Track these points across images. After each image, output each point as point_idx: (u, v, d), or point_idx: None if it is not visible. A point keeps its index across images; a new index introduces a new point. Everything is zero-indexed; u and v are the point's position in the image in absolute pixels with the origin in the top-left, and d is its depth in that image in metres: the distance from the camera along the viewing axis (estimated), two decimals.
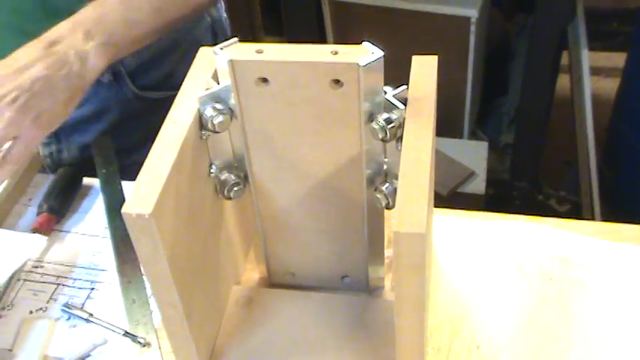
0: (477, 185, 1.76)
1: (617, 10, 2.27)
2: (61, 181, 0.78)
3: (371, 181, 0.56)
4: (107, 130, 0.88)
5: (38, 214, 0.74)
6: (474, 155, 1.81)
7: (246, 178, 0.58)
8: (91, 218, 0.77)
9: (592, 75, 1.81)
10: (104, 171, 0.80)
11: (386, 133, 0.50)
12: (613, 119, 1.87)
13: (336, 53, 0.48)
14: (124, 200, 0.75)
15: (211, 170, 0.56)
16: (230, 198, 0.58)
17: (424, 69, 0.52)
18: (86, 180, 0.81)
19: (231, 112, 0.53)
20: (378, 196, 0.55)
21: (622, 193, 1.82)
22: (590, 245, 0.68)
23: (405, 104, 0.50)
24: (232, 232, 0.64)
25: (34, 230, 0.73)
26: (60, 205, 0.76)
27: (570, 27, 1.76)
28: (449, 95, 1.78)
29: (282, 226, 0.61)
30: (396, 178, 0.54)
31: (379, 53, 0.47)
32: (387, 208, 0.57)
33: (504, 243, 0.69)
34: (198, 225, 0.55)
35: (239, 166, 0.58)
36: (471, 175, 1.77)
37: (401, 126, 0.50)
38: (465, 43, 1.64)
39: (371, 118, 0.51)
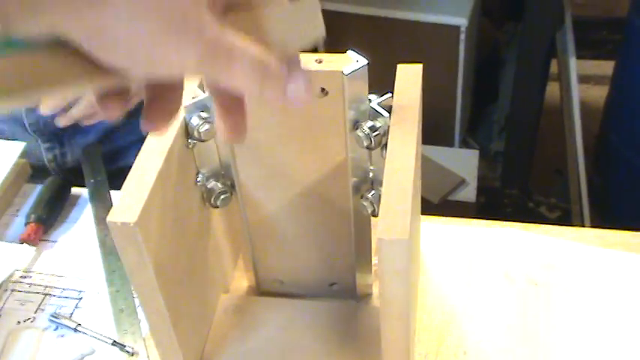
0: (468, 193, 1.76)
1: (606, 18, 2.29)
2: (49, 190, 0.78)
3: (357, 189, 0.56)
4: (109, 130, 0.87)
5: (26, 224, 0.74)
6: (464, 163, 1.82)
7: (232, 186, 0.58)
8: (79, 228, 0.77)
9: (581, 83, 1.82)
10: (92, 180, 0.80)
11: (371, 141, 0.50)
12: (602, 127, 1.88)
13: (320, 62, 0.48)
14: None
15: (198, 179, 0.57)
16: (217, 206, 0.58)
17: (409, 77, 0.53)
18: (74, 189, 0.81)
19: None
20: (365, 203, 0.56)
21: (611, 200, 1.83)
22: (576, 251, 0.69)
23: (389, 112, 0.50)
24: (220, 241, 0.64)
25: (22, 241, 0.73)
26: (48, 215, 0.76)
27: (559, 35, 1.78)
28: (439, 104, 1.79)
29: (270, 234, 0.62)
30: (382, 186, 0.55)
31: (363, 62, 0.48)
32: (373, 216, 0.57)
33: (491, 249, 0.69)
34: (185, 234, 0.55)
35: (226, 175, 0.58)
36: (462, 183, 1.78)
37: (385, 134, 0.51)
38: (455, 51, 1.66)
39: (356, 125, 0.51)
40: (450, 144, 1.89)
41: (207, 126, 0.52)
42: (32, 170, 0.83)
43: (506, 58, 2.12)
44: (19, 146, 0.81)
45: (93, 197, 0.78)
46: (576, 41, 1.74)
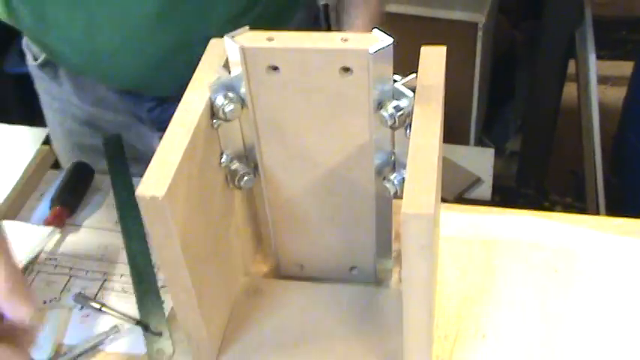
0: (483, 191, 1.76)
1: (626, 18, 2.28)
2: (72, 176, 0.79)
3: (379, 171, 0.57)
4: None
5: (51, 207, 0.76)
6: (480, 162, 1.81)
7: (256, 168, 0.59)
8: (102, 212, 0.78)
9: (599, 83, 1.81)
10: (114, 168, 0.81)
11: (395, 121, 0.51)
12: (620, 127, 1.87)
13: (346, 40, 0.49)
14: (134, 196, 0.77)
15: (222, 160, 0.58)
16: (240, 188, 0.59)
17: (433, 58, 0.53)
18: (97, 176, 0.82)
19: (242, 101, 0.54)
20: (387, 185, 0.56)
21: (628, 200, 1.82)
22: (595, 239, 0.69)
23: (413, 92, 0.51)
24: (242, 224, 0.65)
25: (48, 223, 0.74)
26: (72, 199, 0.77)
27: (578, 34, 1.77)
28: (455, 101, 1.79)
29: (291, 216, 0.62)
30: (404, 168, 0.55)
31: (388, 40, 0.48)
32: (395, 197, 0.58)
33: (511, 236, 0.70)
34: (209, 214, 0.56)
35: (249, 156, 0.59)
36: (477, 181, 1.77)
37: (409, 114, 0.51)
38: (472, 48, 1.66)
39: (380, 105, 0.52)
40: (466, 142, 1.88)
41: (232, 106, 0.53)
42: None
43: (523, 56, 2.12)
44: (42, 132, 0.82)
45: (115, 184, 0.80)
46: (595, 41, 1.73)
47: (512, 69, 2.11)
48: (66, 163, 0.82)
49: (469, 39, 1.64)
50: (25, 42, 0.86)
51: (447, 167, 1.75)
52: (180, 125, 0.51)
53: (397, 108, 0.51)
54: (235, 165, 0.58)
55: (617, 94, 2.02)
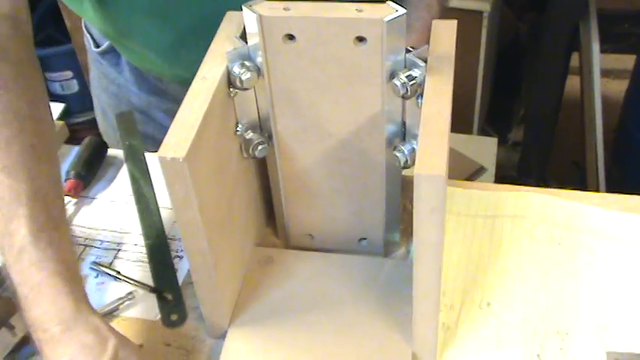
0: (486, 180, 1.78)
1: (629, 11, 2.29)
2: (87, 150, 0.81)
3: (390, 141, 0.59)
4: None
5: (66, 180, 0.77)
6: (483, 150, 1.83)
7: (270, 138, 0.61)
8: (116, 186, 0.80)
9: (602, 76, 1.83)
10: (127, 143, 0.83)
11: (407, 90, 0.53)
12: (621, 119, 1.89)
13: (361, 11, 0.50)
14: (147, 170, 0.79)
15: (237, 129, 0.59)
16: (254, 157, 0.61)
17: (444, 31, 0.55)
18: (111, 151, 0.83)
19: (258, 70, 0.56)
20: (397, 154, 0.58)
21: (629, 192, 1.83)
22: (598, 214, 0.71)
23: (425, 63, 0.52)
24: (255, 194, 0.67)
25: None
26: (87, 172, 0.78)
27: (582, 27, 1.79)
28: (459, 90, 1.79)
29: (303, 187, 0.64)
30: (415, 138, 0.57)
31: (402, 11, 0.50)
32: (405, 168, 0.59)
33: (515, 210, 0.71)
34: (225, 181, 0.58)
35: (263, 127, 0.61)
36: (480, 169, 1.79)
37: (421, 84, 0.53)
38: (477, 37, 1.67)
39: (392, 75, 0.53)
40: (469, 131, 1.90)
41: (248, 74, 0.55)
42: None
43: (527, 48, 2.13)
44: (57, 107, 0.84)
45: (128, 158, 0.81)
46: (598, 34, 1.75)
47: (516, 60, 2.13)
48: (113, 145, 0.85)
49: (474, 28, 1.66)
50: (86, 27, 0.88)
51: (451, 155, 1.75)
52: (198, 92, 0.53)
53: (410, 77, 0.52)
54: (250, 134, 0.60)
55: (620, 87, 2.04)
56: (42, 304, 0.51)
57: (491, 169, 1.80)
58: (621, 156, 1.87)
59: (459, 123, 1.92)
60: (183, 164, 0.48)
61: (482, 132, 1.98)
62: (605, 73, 2.19)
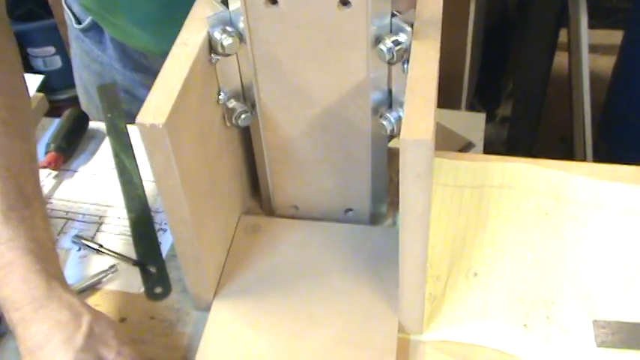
0: None
1: None
2: (67, 122, 0.79)
3: (376, 109, 0.58)
4: None
5: (46, 153, 0.76)
6: (471, 126, 1.82)
7: (253, 107, 0.60)
8: (98, 159, 0.78)
9: (589, 52, 1.82)
10: (109, 115, 0.81)
11: (393, 56, 0.51)
12: (609, 94, 1.89)
13: None
14: (130, 142, 0.78)
15: (220, 97, 0.58)
16: (238, 126, 0.60)
17: None
18: (92, 123, 0.82)
19: (240, 36, 0.54)
20: (384, 122, 0.57)
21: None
22: (585, 184, 0.70)
23: (411, 27, 0.51)
24: (239, 165, 0.66)
25: (43, 167, 0.74)
26: (67, 145, 0.77)
27: (570, 2, 1.77)
28: (447, 66, 1.78)
29: (287, 156, 0.63)
30: (401, 106, 0.56)
31: None
32: (391, 136, 0.58)
33: (502, 181, 0.71)
34: (207, 150, 0.57)
35: (246, 95, 0.59)
36: (468, 145, 1.78)
37: (407, 49, 0.52)
38: (465, 12, 1.66)
39: (378, 40, 0.52)
40: (457, 107, 1.89)
41: (230, 40, 0.53)
42: None
43: (515, 23, 2.12)
44: (36, 79, 0.82)
45: (110, 130, 0.80)
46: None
47: (505, 35, 2.11)
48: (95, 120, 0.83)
49: (463, 2, 1.64)
50: (66, 3, 0.85)
51: (438, 131, 1.74)
52: (179, 58, 0.51)
53: (396, 42, 0.51)
54: (233, 103, 0.59)
55: (607, 63, 2.03)
56: (13, 282, 0.50)
57: (479, 145, 1.80)
58: (608, 131, 1.88)
59: (447, 98, 1.91)
60: (163, 131, 0.47)
61: (471, 108, 1.97)
62: (593, 49, 2.18)
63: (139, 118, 0.47)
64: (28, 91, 0.60)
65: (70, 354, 0.48)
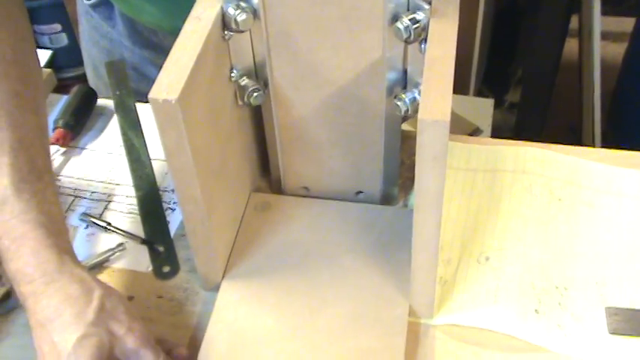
0: None
1: None
2: (76, 99, 0.78)
3: (390, 90, 0.57)
4: None
5: (54, 129, 0.75)
6: (479, 111, 1.81)
7: (266, 85, 0.59)
8: (106, 136, 0.77)
9: (601, 39, 1.80)
10: (118, 92, 0.81)
11: (410, 34, 0.50)
12: (619, 82, 1.88)
13: None
14: (138, 120, 0.77)
15: (232, 75, 0.57)
16: (250, 104, 0.59)
17: None
18: (100, 101, 0.81)
19: (254, 12, 0.53)
20: (398, 103, 0.56)
21: None
22: (599, 170, 0.69)
23: (429, 4, 0.50)
24: (250, 144, 0.65)
25: (51, 144, 0.73)
26: (76, 122, 0.76)
27: None
28: (457, 51, 1.77)
29: (299, 137, 0.62)
30: (417, 87, 0.55)
31: None
32: (405, 117, 0.57)
33: (515, 164, 0.70)
34: (219, 128, 0.56)
35: (259, 73, 0.59)
36: (476, 131, 1.77)
37: (425, 28, 0.51)
38: None
39: (395, 18, 0.51)
40: (465, 92, 1.88)
41: (244, 15, 0.52)
42: None
43: (525, 9, 2.10)
44: (44, 54, 0.81)
45: (118, 108, 0.79)
46: None
47: (515, 21, 2.09)
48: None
49: None
50: None
51: None
52: (192, 33, 0.50)
53: (413, 20, 0.50)
54: (245, 81, 0.58)
55: (618, 50, 2.02)
56: (24, 256, 0.49)
57: (487, 131, 1.78)
58: (617, 118, 1.86)
59: (456, 83, 1.88)
60: (175, 106, 0.46)
61: (479, 93, 1.96)
62: (604, 36, 2.15)
63: (152, 94, 0.46)
64: (40, 63, 0.59)
65: (81, 328, 0.47)
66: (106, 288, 0.51)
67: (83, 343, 0.47)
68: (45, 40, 1.84)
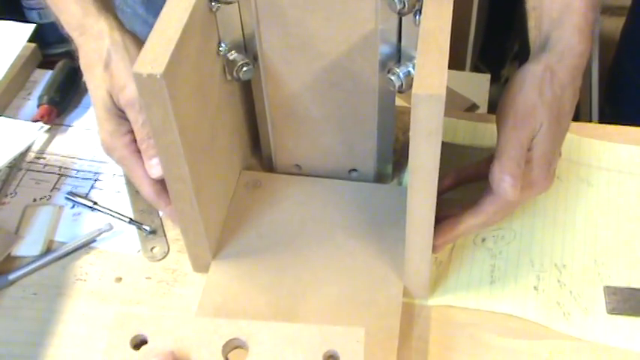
0: None
1: None
2: (61, 74, 0.76)
3: (384, 64, 0.55)
4: None
5: (39, 105, 0.73)
6: (475, 87, 1.78)
7: (255, 59, 0.57)
8: (92, 113, 0.74)
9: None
10: None
11: (404, 5, 0.48)
12: (616, 57, 1.85)
13: None
14: None
15: (220, 48, 0.55)
16: (239, 79, 0.57)
17: None
18: None
19: None
20: (392, 77, 0.54)
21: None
22: (597, 146, 0.68)
23: None
24: (240, 121, 0.63)
25: (35, 121, 0.71)
26: (61, 98, 0.74)
27: None
28: (453, 26, 1.75)
29: (290, 113, 0.60)
30: (411, 61, 0.53)
31: None
32: (399, 92, 0.55)
33: None
34: (207, 104, 0.54)
35: (248, 47, 0.56)
36: (473, 106, 1.75)
37: None
38: None
39: None
40: (461, 68, 1.85)
41: None
42: None
43: None
44: (28, 28, 0.78)
45: None
46: None
47: None
48: None
49: None
50: None
51: None
52: (177, 5, 0.48)
53: None
54: (234, 55, 0.56)
55: (616, 24, 1.99)
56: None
57: (484, 106, 1.76)
58: (615, 94, 1.84)
59: (451, 59, 1.85)
60: (161, 81, 0.44)
61: (475, 68, 1.94)
62: (602, 10, 2.13)
63: (136, 68, 0.44)
64: None
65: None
66: (113, 42, 0.57)
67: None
68: (34, 15, 1.78)
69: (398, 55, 0.54)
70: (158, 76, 0.44)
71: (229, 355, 0.43)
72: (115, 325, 0.45)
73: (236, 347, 0.44)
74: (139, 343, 0.44)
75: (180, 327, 0.44)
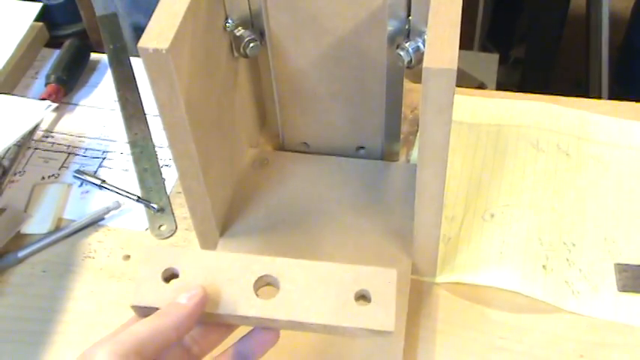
0: None
1: None
2: (68, 53, 0.76)
3: (392, 39, 0.54)
4: None
5: (46, 84, 0.73)
6: (483, 67, 1.77)
7: (262, 35, 0.56)
8: (100, 92, 0.75)
9: None
10: (111, 46, 0.78)
11: None
12: (626, 35, 1.83)
13: None
14: (133, 75, 0.74)
15: (227, 24, 0.54)
16: (246, 56, 0.56)
17: None
18: (94, 55, 0.78)
19: None
20: (401, 53, 0.53)
21: None
22: (607, 123, 0.67)
23: None
24: (247, 98, 0.63)
25: (43, 99, 0.71)
26: (68, 77, 0.74)
27: None
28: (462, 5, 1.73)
29: (298, 90, 0.60)
30: (420, 36, 0.52)
31: None
32: (408, 67, 0.55)
33: (521, 119, 0.68)
34: (213, 80, 0.54)
35: (255, 23, 0.56)
36: (481, 86, 1.74)
37: None
38: None
39: None
40: (470, 48, 1.84)
41: None
42: None
43: None
44: (35, 7, 0.78)
45: (112, 62, 0.76)
46: None
47: None
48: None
49: None
50: None
51: None
52: None
53: None
54: (240, 31, 0.55)
55: (625, 4, 1.97)
56: None
57: (492, 87, 1.75)
58: (624, 73, 1.83)
59: (460, 39, 1.85)
60: (167, 56, 0.44)
61: (484, 48, 1.92)
62: None
63: (142, 43, 0.44)
64: None
65: None
66: None
67: None
68: None
69: (407, 30, 0.53)
70: (164, 51, 0.43)
71: (259, 292, 0.42)
72: (146, 258, 0.43)
73: (267, 284, 0.43)
74: (169, 277, 0.43)
75: (212, 262, 0.43)
